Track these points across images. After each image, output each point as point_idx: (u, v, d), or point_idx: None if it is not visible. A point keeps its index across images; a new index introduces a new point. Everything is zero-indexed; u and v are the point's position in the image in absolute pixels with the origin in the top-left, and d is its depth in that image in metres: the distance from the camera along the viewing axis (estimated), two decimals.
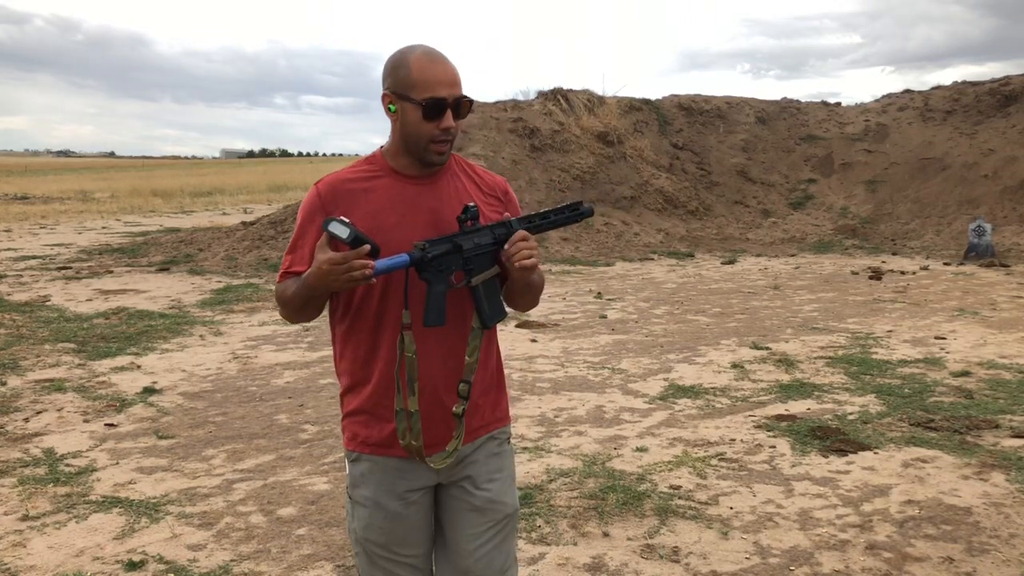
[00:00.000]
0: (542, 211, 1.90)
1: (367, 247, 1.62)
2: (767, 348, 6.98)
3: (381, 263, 1.65)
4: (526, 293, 1.91)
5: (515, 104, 17.06)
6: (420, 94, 1.71)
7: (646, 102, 18.79)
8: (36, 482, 4.05)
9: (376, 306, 1.80)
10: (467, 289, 1.80)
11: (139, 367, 6.35)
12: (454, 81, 1.74)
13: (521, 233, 1.78)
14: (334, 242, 1.65)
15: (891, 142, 18.00)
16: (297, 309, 1.82)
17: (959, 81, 18.93)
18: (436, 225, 1.79)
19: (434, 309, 1.74)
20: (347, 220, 1.63)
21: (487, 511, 1.88)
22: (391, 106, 1.77)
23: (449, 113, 1.73)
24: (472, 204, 1.78)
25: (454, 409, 1.80)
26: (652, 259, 13.62)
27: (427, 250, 1.71)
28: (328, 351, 6.95)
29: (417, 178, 1.82)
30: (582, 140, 16.63)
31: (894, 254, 14.24)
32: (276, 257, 12.28)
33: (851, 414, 5.10)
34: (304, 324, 8.04)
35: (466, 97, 1.76)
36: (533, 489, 3.90)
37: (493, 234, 1.80)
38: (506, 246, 1.78)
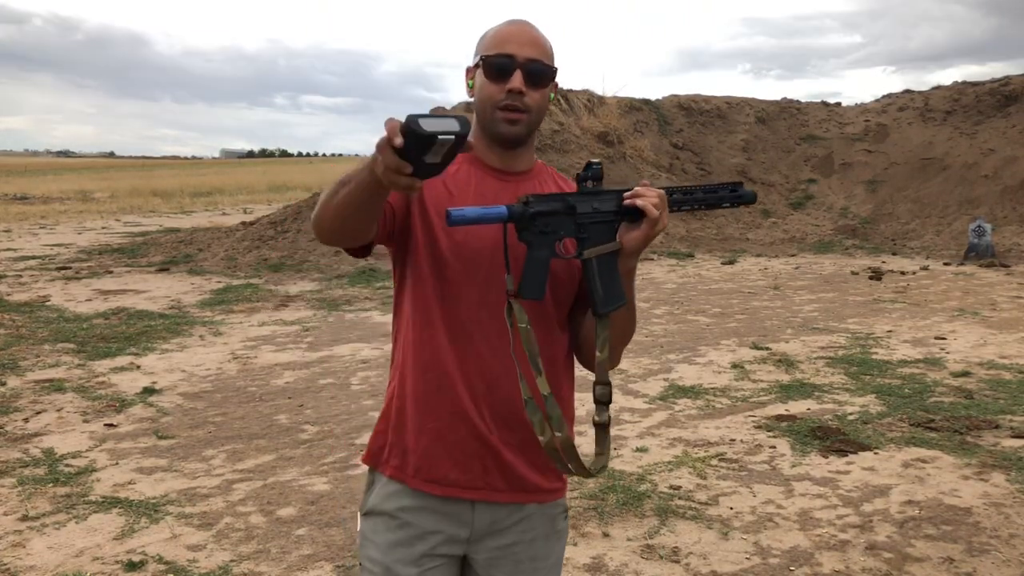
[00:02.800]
0: (686, 185, 1.53)
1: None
2: (767, 348, 6.97)
3: (472, 210, 1.35)
4: (622, 320, 1.52)
5: None
6: (486, 51, 1.48)
7: (646, 102, 18.79)
8: (36, 482, 4.04)
9: (445, 277, 1.47)
10: (578, 264, 1.49)
11: (139, 367, 6.35)
12: (530, 41, 1.47)
13: (655, 190, 1.45)
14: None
15: (891, 142, 18.00)
16: (334, 200, 1.32)
17: (959, 81, 18.94)
18: None
19: (532, 277, 1.42)
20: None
21: None
22: (469, 82, 1.54)
23: (518, 74, 1.45)
24: (596, 161, 1.48)
25: (596, 418, 1.50)
26: (652, 259, 13.62)
27: (530, 204, 1.41)
28: (328, 351, 6.95)
29: (502, 172, 1.54)
30: (582, 140, 16.63)
31: (894, 254, 14.24)
32: (276, 257, 12.28)
33: (851, 414, 5.10)
34: (304, 324, 8.06)
35: (541, 62, 1.47)
36: None
37: (618, 200, 1.46)
38: (628, 193, 1.45)
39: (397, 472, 1.51)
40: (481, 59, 1.48)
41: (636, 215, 1.44)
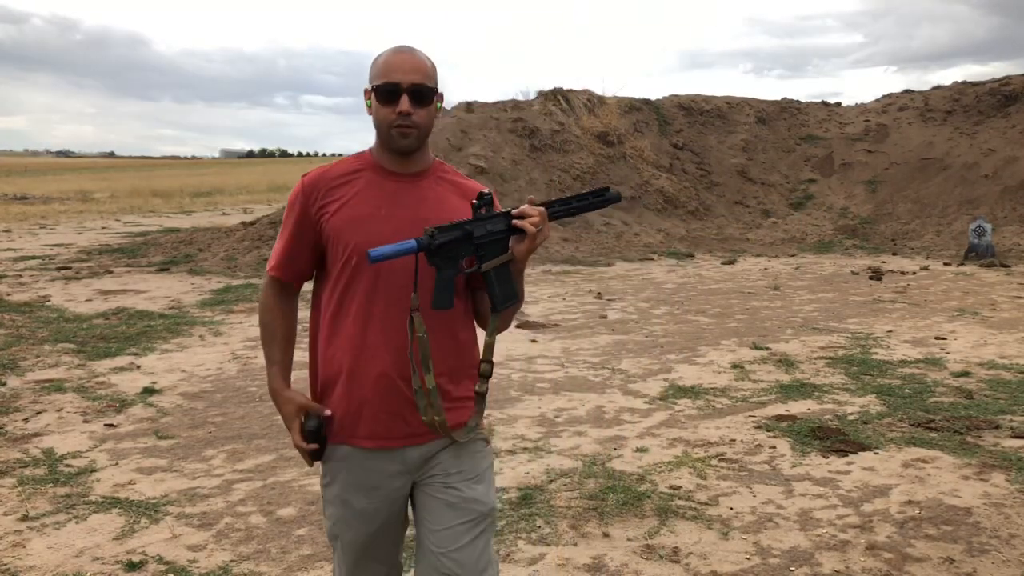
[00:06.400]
0: (563, 197, 1.90)
1: (316, 447, 1.85)
2: (767, 348, 6.97)
3: (388, 248, 1.68)
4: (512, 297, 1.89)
5: (515, 104, 17.06)
6: (376, 80, 1.80)
7: (646, 102, 18.79)
8: (36, 482, 4.04)
9: (366, 291, 1.83)
10: (478, 273, 1.84)
11: (139, 367, 6.35)
12: (413, 68, 1.79)
13: (537, 208, 1.79)
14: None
15: (891, 142, 18.00)
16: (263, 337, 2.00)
17: (959, 81, 18.95)
18: (414, 223, 1.81)
19: (442, 293, 1.77)
20: (322, 421, 1.85)
21: (462, 508, 1.87)
22: (368, 102, 1.85)
23: (405, 98, 1.77)
24: (487, 191, 1.82)
25: (476, 388, 1.88)
26: (652, 259, 13.62)
27: (435, 237, 1.73)
28: None
29: (399, 175, 1.86)
30: (582, 140, 16.63)
31: (894, 254, 14.24)
32: None
33: (851, 414, 5.10)
34: (304, 324, 8.02)
35: (424, 85, 1.79)
36: (533, 489, 3.90)
37: (507, 220, 1.81)
38: (515, 211, 1.80)
39: (345, 436, 1.92)
40: (373, 88, 1.81)
41: (522, 230, 1.79)
